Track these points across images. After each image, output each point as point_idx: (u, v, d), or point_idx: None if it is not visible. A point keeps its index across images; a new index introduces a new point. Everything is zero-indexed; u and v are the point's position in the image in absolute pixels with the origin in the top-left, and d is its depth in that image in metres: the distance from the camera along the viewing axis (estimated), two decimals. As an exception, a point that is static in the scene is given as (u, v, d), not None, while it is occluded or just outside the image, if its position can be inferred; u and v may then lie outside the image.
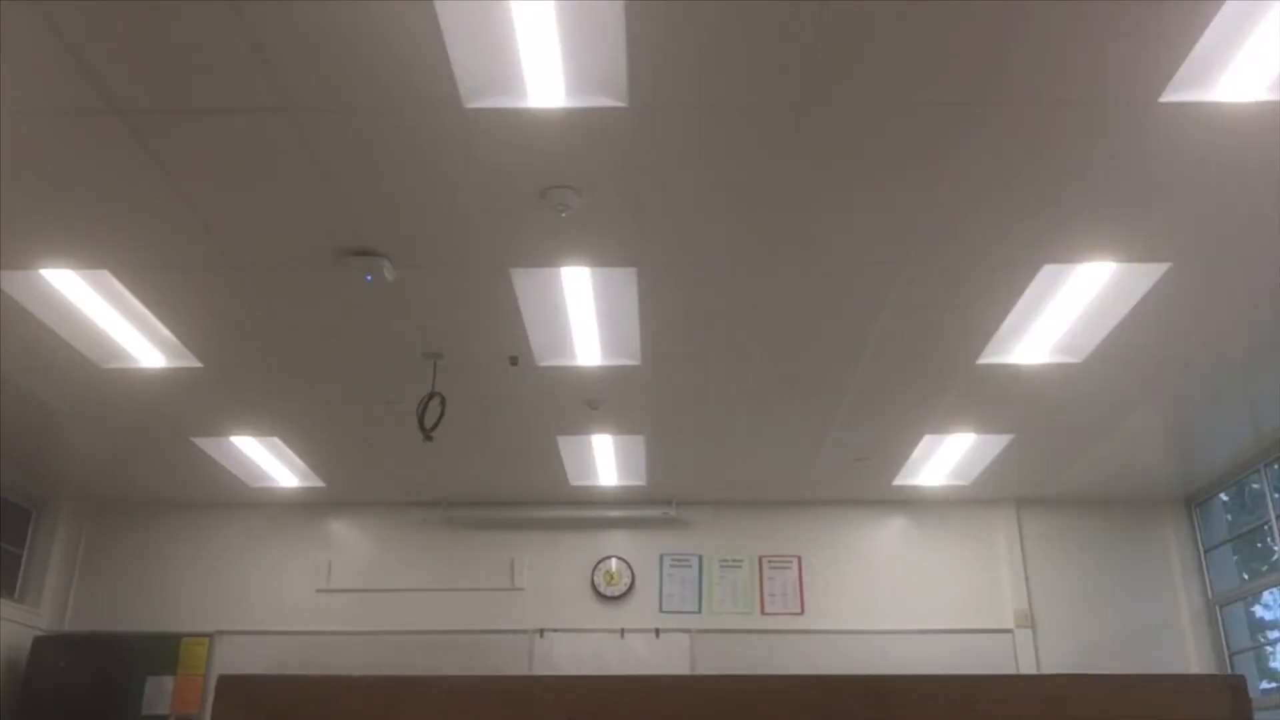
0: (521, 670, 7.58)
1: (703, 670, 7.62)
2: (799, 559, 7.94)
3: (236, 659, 7.69)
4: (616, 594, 7.87)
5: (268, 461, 7.24)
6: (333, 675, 1.34)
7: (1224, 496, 7.66)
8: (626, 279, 4.74)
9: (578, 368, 5.66)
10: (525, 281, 4.78)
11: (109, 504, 8.10)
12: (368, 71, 3.40)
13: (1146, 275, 4.65)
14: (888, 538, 8.02)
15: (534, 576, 7.94)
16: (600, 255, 4.54)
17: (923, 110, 3.58)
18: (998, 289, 4.79)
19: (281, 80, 3.45)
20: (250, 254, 4.52)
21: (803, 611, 7.79)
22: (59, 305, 4.94)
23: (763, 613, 7.80)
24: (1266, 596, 7.20)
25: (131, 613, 7.82)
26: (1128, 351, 5.34)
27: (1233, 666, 7.49)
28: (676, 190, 4.05)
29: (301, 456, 7.10)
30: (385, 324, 5.18)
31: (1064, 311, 5.01)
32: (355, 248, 4.48)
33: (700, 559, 7.97)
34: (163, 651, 7.69)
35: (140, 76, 3.42)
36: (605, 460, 7.20)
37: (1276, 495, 6.85)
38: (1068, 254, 4.48)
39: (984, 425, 6.48)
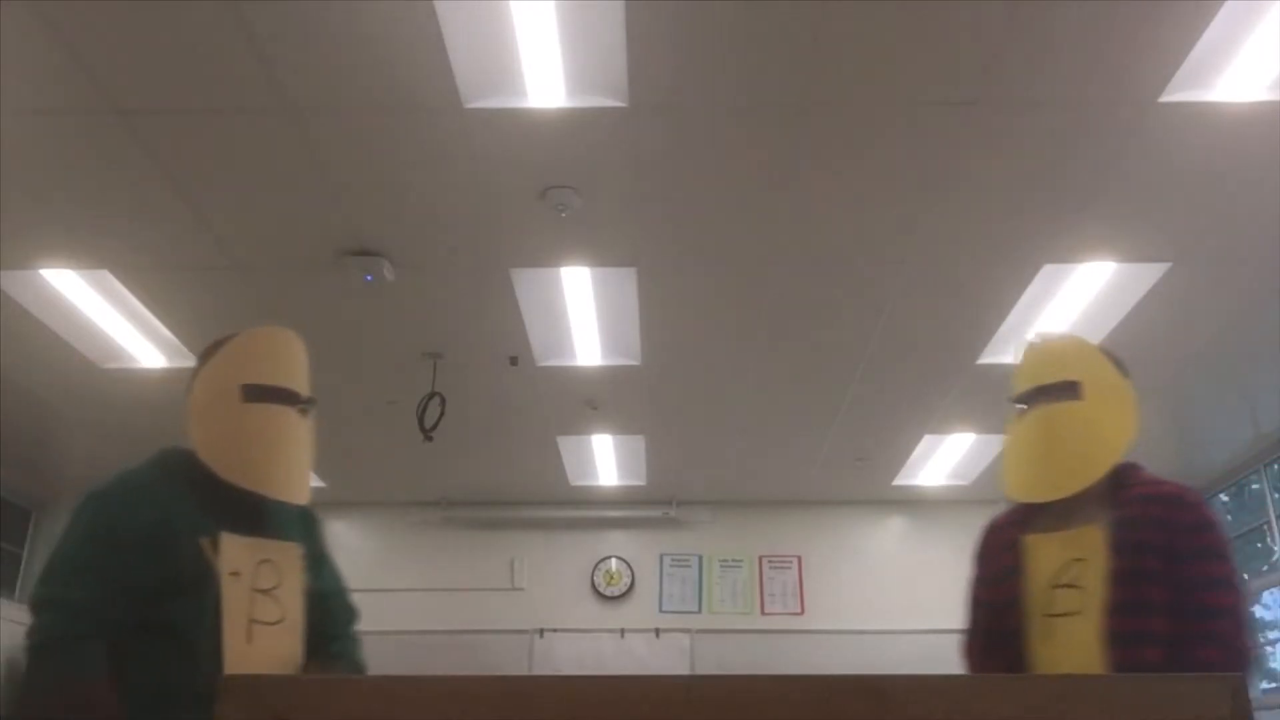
0: (521, 670, 7.57)
1: (703, 670, 7.61)
2: (799, 559, 7.94)
3: (236, 659, 7.68)
4: (616, 594, 7.87)
5: (268, 461, 7.22)
6: (333, 675, 1.34)
7: (1224, 496, 7.65)
8: (626, 279, 4.74)
9: (578, 368, 5.66)
10: (525, 281, 4.78)
11: (109, 504, 8.08)
12: (368, 71, 3.40)
13: (1146, 275, 4.65)
14: (888, 538, 8.02)
15: (534, 576, 7.95)
16: (600, 255, 4.54)
17: (923, 110, 3.58)
18: (998, 289, 4.79)
19: (281, 80, 3.45)
20: (250, 254, 4.53)
21: (803, 611, 7.79)
22: (59, 305, 4.94)
23: (763, 613, 7.80)
24: (1266, 596, 7.20)
25: (131, 613, 7.81)
26: (1128, 351, 5.30)
27: (1233, 666, 7.47)
28: (676, 190, 4.05)
29: (301, 456, 7.09)
30: (385, 324, 5.18)
31: (1064, 311, 5.01)
32: (355, 248, 4.48)
33: (700, 559, 7.97)
34: (163, 651, 7.69)
35: (140, 76, 3.42)
36: (605, 460, 7.20)
37: (1276, 495, 6.85)
38: (1068, 254, 4.48)
39: (984, 425, 6.48)
